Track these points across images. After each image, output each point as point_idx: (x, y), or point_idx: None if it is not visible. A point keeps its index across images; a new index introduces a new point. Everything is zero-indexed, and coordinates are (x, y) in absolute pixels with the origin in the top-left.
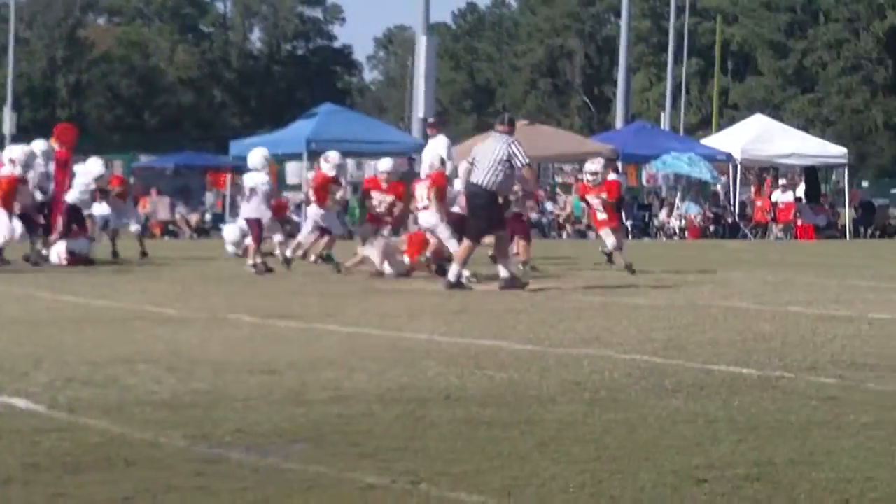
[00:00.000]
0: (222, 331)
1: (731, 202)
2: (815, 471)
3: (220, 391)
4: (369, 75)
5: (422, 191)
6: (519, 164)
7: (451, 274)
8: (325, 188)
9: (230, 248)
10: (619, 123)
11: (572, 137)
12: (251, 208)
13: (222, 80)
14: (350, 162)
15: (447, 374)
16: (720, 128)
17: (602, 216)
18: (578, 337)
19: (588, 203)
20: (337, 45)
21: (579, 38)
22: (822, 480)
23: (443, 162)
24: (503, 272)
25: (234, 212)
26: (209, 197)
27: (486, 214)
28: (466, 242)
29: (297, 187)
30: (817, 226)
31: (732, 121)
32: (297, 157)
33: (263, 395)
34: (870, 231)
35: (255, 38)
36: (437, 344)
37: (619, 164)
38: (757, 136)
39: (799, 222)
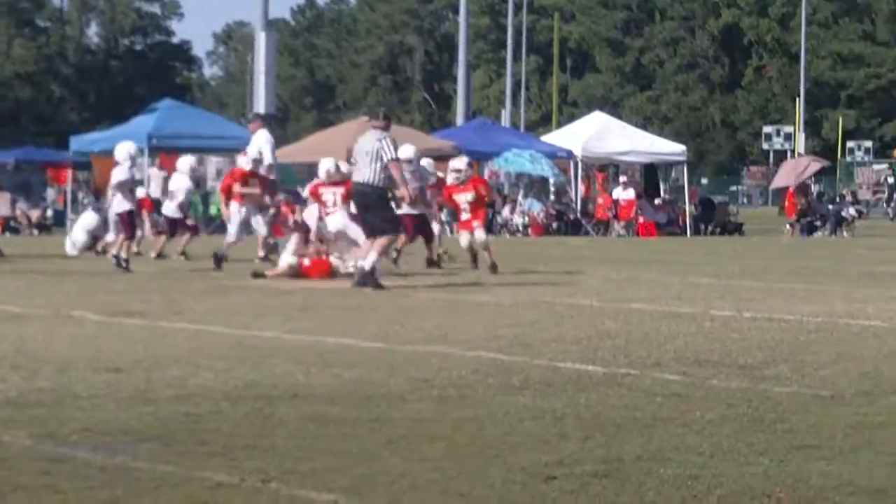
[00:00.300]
0: (67, 328)
1: (573, 199)
2: (663, 467)
3: (66, 389)
4: (209, 71)
5: (331, 196)
6: (385, 159)
7: (368, 262)
8: (245, 184)
9: (80, 238)
10: (459, 120)
11: (413, 134)
12: (117, 202)
13: (60, 74)
14: (191, 158)
15: (294, 372)
16: (560, 125)
17: (466, 216)
18: (426, 334)
19: (454, 203)
20: (175, 40)
21: (418, 34)
22: (669, 477)
23: (338, 168)
24: (367, 264)
25: (76, 208)
26: (50, 193)
27: (380, 210)
28: (385, 238)
29: (139, 182)
30: (658, 223)
31: (572, 118)
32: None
33: (110, 393)
34: (710, 228)
35: (93, 32)
36: (283, 342)
37: None
38: (596, 134)
39: (640, 219)
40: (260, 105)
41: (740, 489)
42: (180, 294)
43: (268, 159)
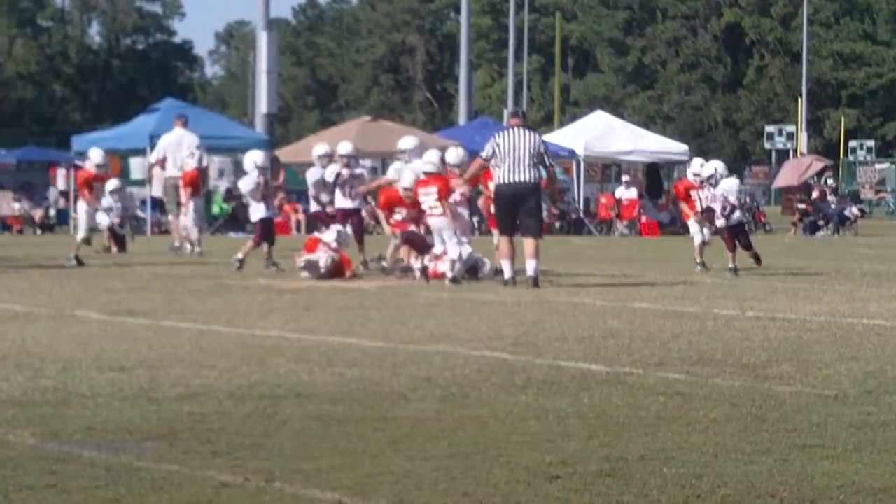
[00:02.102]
0: (70, 327)
1: (576, 199)
2: (667, 466)
3: (70, 388)
4: (210, 70)
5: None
6: (548, 162)
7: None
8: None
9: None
10: (462, 119)
11: (416, 133)
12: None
13: (62, 74)
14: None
15: (298, 371)
16: (562, 124)
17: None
18: (429, 333)
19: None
20: (177, 40)
21: (420, 33)
22: (673, 476)
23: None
24: (532, 271)
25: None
26: (52, 192)
27: (540, 212)
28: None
29: (142, 182)
30: (661, 222)
31: (574, 117)
32: (140, 152)
33: (114, 392)
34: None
35: (94, 32)
36: (287, 341)
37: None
38: (599, 133)
39: (643, 219)
40: (262, 105)
41: (744, 488)
42: (183, 293)
43: (155, 156)
